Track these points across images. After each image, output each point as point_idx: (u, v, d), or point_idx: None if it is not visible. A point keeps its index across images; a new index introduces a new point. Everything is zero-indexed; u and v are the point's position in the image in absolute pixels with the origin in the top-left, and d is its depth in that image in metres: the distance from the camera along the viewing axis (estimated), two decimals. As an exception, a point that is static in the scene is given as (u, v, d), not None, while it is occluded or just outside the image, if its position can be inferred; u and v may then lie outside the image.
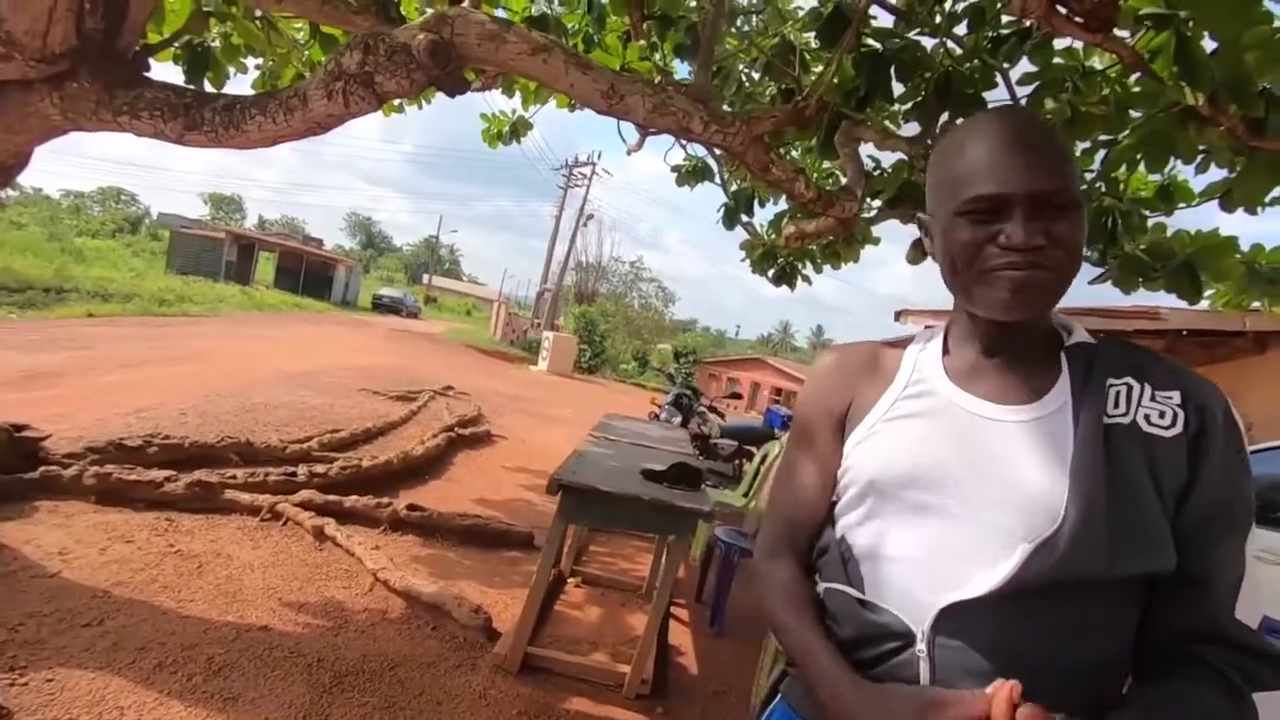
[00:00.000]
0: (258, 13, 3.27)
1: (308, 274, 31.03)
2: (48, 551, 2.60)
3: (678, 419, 6.78)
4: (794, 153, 4.56)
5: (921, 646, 0.68)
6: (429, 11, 2.26)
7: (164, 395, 5.71)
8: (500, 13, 3.59)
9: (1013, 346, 0.77)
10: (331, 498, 3.57)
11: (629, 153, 4.75)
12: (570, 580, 3.35)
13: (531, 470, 5.84)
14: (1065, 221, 0.69)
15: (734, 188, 4.97)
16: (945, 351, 0.81)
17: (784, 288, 5.20)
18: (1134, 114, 2.67)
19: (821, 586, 0.79)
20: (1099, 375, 0.72)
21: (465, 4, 2.22)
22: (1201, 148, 2.61)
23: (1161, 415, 0.69)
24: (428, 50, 2.02)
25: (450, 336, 24.38)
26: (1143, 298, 3.44)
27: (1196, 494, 0.68)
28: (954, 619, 0.67)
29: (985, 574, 0.66)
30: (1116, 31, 2.11)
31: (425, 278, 58.64)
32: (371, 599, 2.77)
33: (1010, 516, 0.68)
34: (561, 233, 28.22)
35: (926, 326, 0.90)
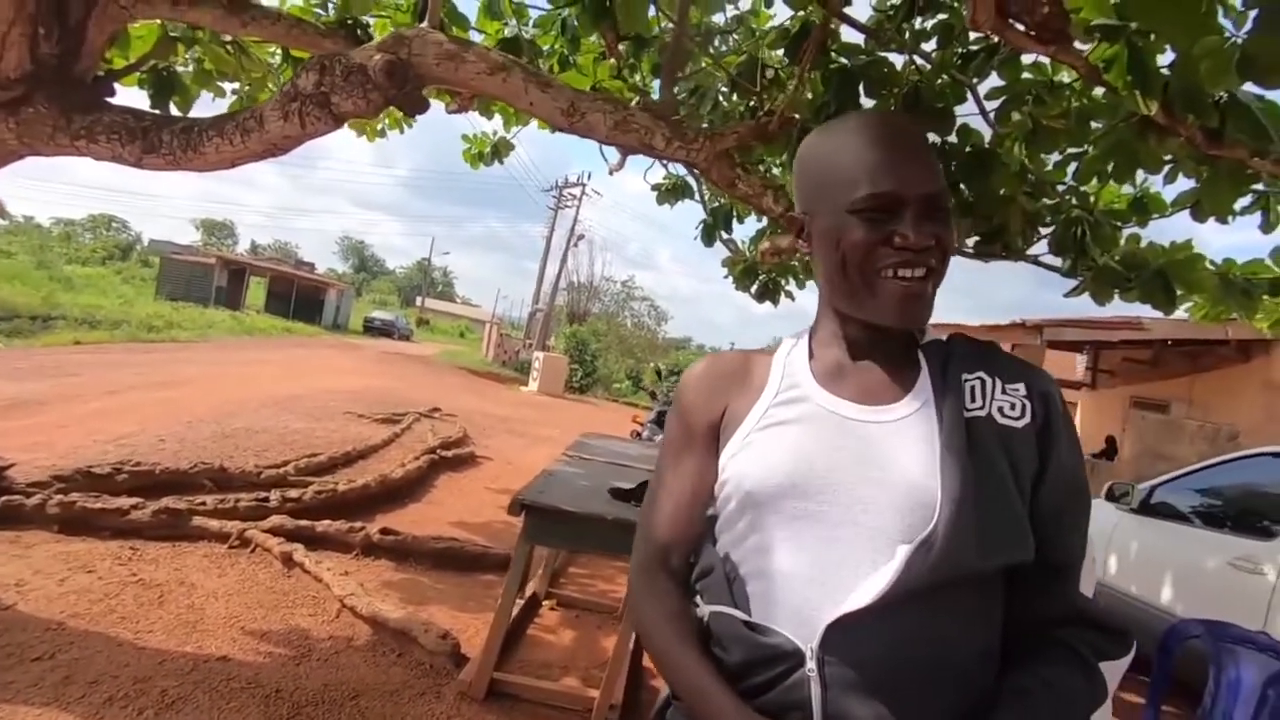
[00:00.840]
0: (227, 37, 3.28)
1: (299, 298, 31.05)
2: (3, 583, 2.54)
3: (659, 437, 6.75)
4: (775, 169, 4.58)
5: (811, 665, 0.65)
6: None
7: (145, 422, 5.65)
8: (476, 35, 3.61)
9: (878, 347, 0.77)
10: (303, 523, 3.51)
11: (611, 172, 4.76)
12: (545, 603, 3.29)
13: (515, 491, 5.78)
14: (947, 226, 0.72)
15: (714, 205, 4.98)
16: (811, 355, 0.80)
17: (771, 304, 5.20)
18: (1096, 125, 2.69)
19: (705, 610, 0.75)
20: (954, 371, 0.73)
21: (424, 25, 2.22)
22: (1168, 158, 2.63)
23: (1013, 407, 0.71)
24: (384, 70, 2.02)
25: (442, 358, 24.32)
26: (1118, 307, 3.45)
27: (1048, 482, 0.70)
28: (842, 632, 0.65)
29: (869, 581, 0.65)
30: (1077, 44, 2.13)
31: (418, 300, 58.71)
32: (337, 626, 2.71)
33: (889, 518, 0.67)
34: (553, 253, 28.36)
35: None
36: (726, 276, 5.32)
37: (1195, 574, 3.23)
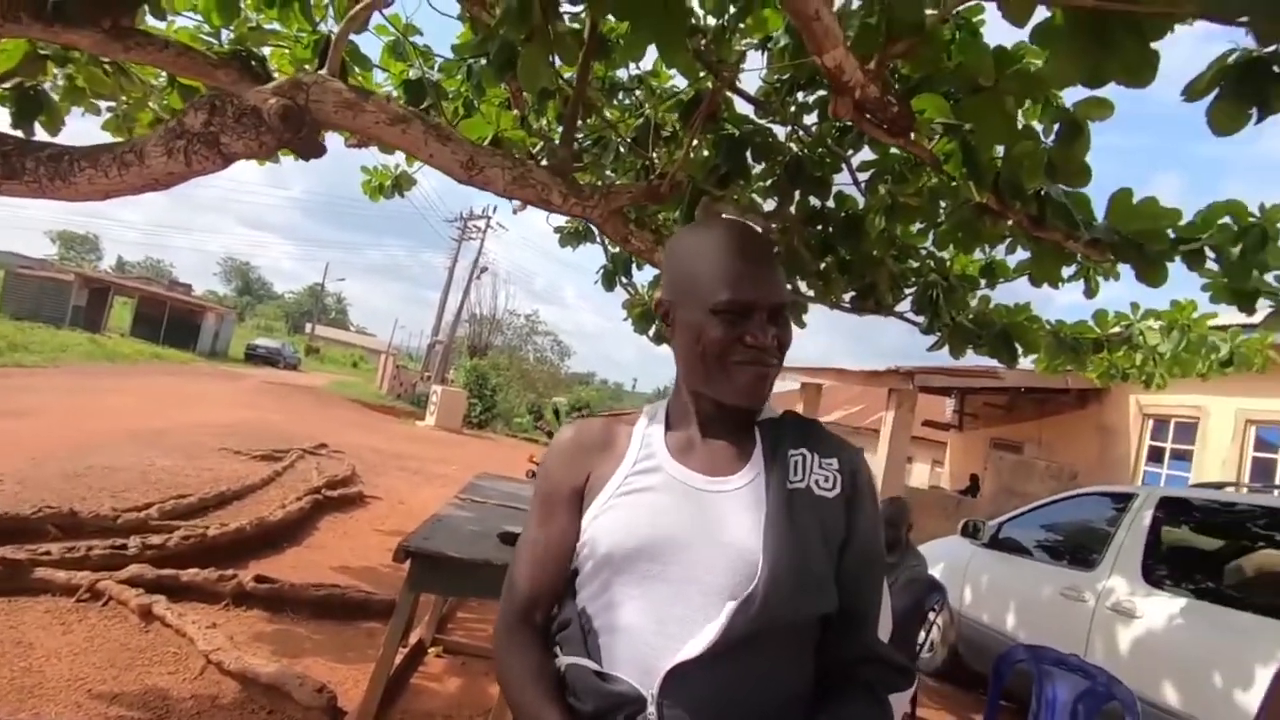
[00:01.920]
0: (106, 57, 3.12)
1: (171, 321, 28.69)
2: None
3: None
4: (671, 221, 4.79)
5: (651, 710, 0.74)
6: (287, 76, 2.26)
7: (-24, 459, 5.06)
8: (379, 75, 3.61)
9: (722, 424, 0.88)
10: (166, 572, 3.26)
11: (515, 211, 4.84)
12: (431, 650, 3.21)
13: (405, 533, 5.56)
14: (787, 328, 0.85)
15: (614, 251, 5.14)
16: (668, 426, 0.91)
17: (669, 347, 5.39)
18: (945, 204, 3.05)
19: (563, 661, 0.83)
20: (783, 447, 0.86)
21: (324, 71, 2.24)
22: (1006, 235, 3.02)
23: (826, 480, 0.84)
24: (279, 115, 2.02)
25: (332, 390, 23.11)
26: (979, 357, 3.88)
27: (852, 545, 0.84)
28: (678, 680, 0.74)
29: (702, 633, 0.75)
30: (926, 136, 2.43)
31: (308, 327, 55.68)
32: (201, 684, 2.54)
33: (722, 578, 0.78)
34: (455, 284, 27.83)
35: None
36: (626, 319, 5.48)
37: (1034, 603, 3.61)
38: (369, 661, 2.99)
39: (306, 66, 3.19)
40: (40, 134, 3.00)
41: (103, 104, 3.48)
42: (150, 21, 2.82)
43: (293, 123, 2.04)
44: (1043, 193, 2.49)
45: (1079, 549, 3.67)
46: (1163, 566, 3.12)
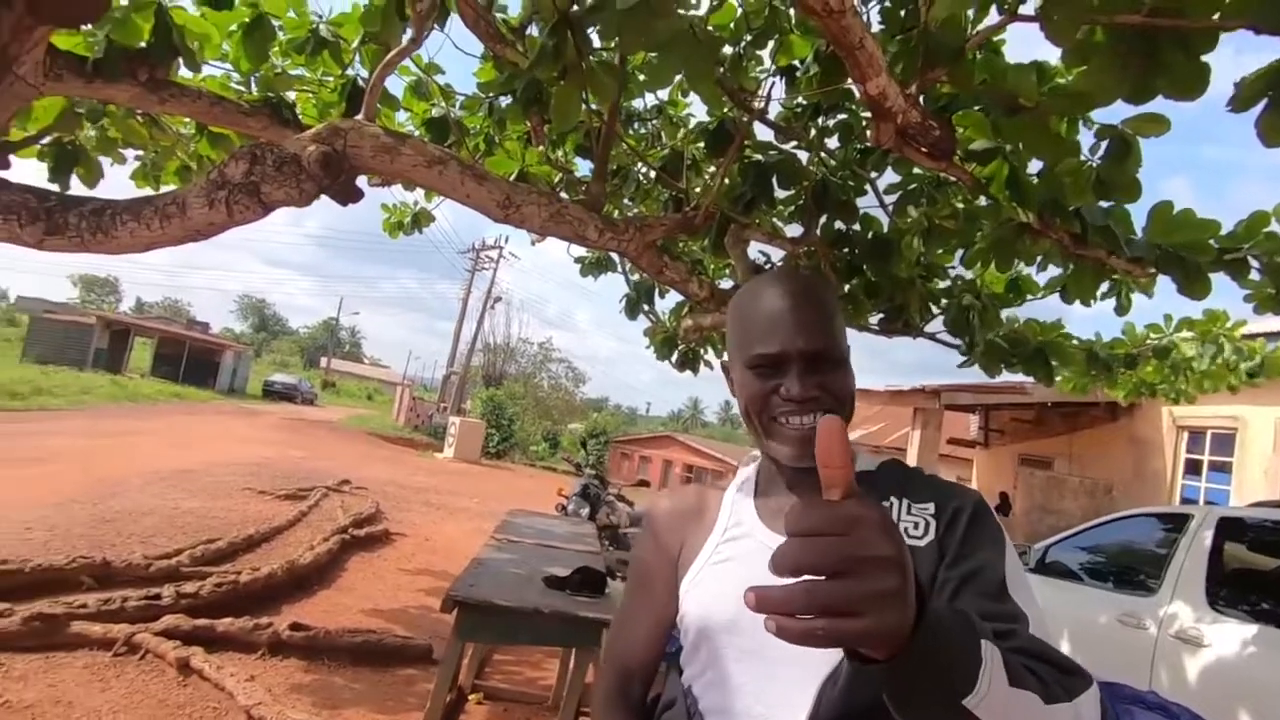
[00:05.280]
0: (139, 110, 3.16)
1: (190, 360, 29.04)
2: None
3: (585, 510, 6.64)
4: (699, 250, 4.78)
5: None
6: (324, 122, 2.27)
7: (6, 508, 5.06)
8: (401, 115, 3.64)
9: (808, 484, 0.79)
10: (201, 622, 3.21)
11: (533, 243, 4.85)
12: (471, 697, 3.13)
13: (433, 572, 5.52)
14: (836, 374, 0.77)
15: (636, 279, 5.13)
16: (757, 493, 0.86)
17: (691, 373, 5.36)
18: (983, 221, 3.01)
19: None
20: (874, 500, 0.77)
21: (360, 116, 2.25)
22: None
23: (916, 526, 0.75)
24: (319, 162, 2.01)
25: (350, 424, 23.20)
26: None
27: (952, 565, 0.72)
28: None
29: (801, 716, 0.69)
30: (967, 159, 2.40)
31: (323, 361, 56.19)
32: (243, 741, 2.48)
33: (816, 653, 0.68)
34: (469, 314, 28.02)
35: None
36: (648, 347, 5.45)
37: (1089, 631, 3.47)
38: (410, 710, 2.92)
39: (332, 110, 3.22)
40: (77, 186, 3.05)
41: (129, 153, 3.53)
42: (181, 71, 2.86)
43: (332, 169, 2.04)
44: (1082, 210, 2.45)
45: (1133, 573, 3.54)
46: (1228, 590, 2.99)
